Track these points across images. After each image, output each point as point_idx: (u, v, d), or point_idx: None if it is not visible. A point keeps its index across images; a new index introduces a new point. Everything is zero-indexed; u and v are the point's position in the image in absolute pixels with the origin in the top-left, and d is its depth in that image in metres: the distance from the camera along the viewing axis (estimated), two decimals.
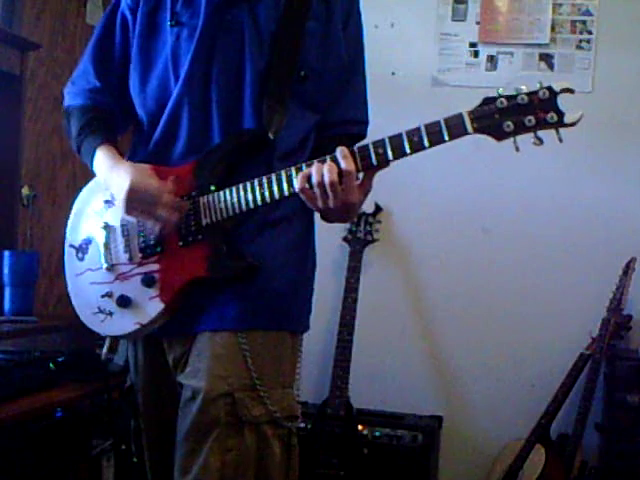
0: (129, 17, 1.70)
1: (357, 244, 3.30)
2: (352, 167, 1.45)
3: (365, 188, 1.52)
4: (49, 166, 3.09)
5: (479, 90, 3.31)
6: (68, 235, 1.76)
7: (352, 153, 1.47)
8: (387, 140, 1.45)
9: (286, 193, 1.51)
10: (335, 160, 1.46)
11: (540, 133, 1.39)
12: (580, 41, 3.30)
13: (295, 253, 1.63)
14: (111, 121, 1.73)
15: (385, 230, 3.37)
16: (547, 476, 2.98)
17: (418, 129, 1.43)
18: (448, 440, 3.35)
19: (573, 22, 3.31)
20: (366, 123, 1.74)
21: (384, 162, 1.46)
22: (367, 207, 3.34)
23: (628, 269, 3.03)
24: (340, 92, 1.69)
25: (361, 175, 1.51)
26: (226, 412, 1.50)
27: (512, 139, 1.41)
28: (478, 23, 3.37)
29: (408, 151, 1.44)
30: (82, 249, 1.72)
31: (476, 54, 3.39)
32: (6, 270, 2.70)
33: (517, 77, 3.34)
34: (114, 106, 1.73)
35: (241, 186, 1.54)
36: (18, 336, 2.62)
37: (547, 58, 3.33)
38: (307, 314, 1.69)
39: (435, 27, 3.42)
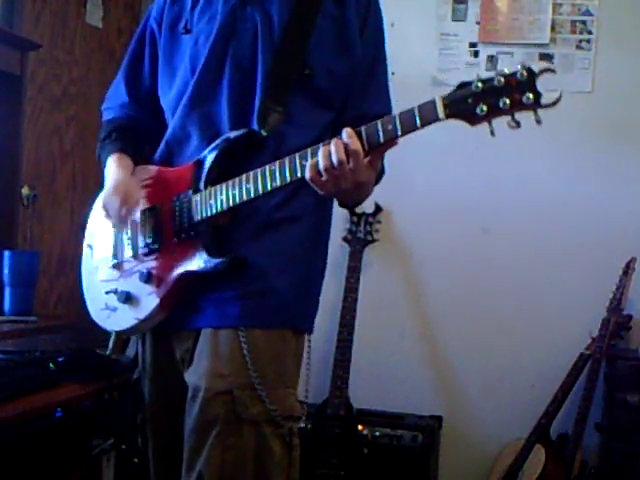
0: (156, 30, 1.76)
1: (357, 244, 3.30)
2: (358, 146, 1.42)
3: (374, 165, 1.48)
4: (49, 166, 3.08)
5: None
6: (86, 235, 1.84)
7: (357, 133, 1.43)
8: (363, 129, 1.42)
9: (269, 188, 1.49)
10: (341, 140, 1.43)
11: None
12: (580, 41, 3.30)
13: (300, 252, 1.63)
14: (135, 132, 1.80)
15: (385, 230, 3.37)
16: (547, 476, 2.98)
17: (394, 117, 1.39)
18: (448, 440, 3.35)
19: (573, 22, 3.31)
20: None
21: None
22: (367, 207, 3.34)
23: (628, 269, 3.03)
24: (363, 89, 1.69)
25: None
26: (225, 410, 1.51)
27: (488, 124, 1.32)
28: (478, 23, 3.37)
29: (382, 140, 1.40)
30: (96, 248, 1.80)
31: (476, 54, 3.38)
32: (6, 270, 2.70)
33: None
34: (145, 117, 1.80)
35: (230, 182, 1.55)
36: (18, 336, 2.62)
37: (547, 58, 3.32)
38: (312, 314, 1.69)
39: (435, 27, 3.41)
